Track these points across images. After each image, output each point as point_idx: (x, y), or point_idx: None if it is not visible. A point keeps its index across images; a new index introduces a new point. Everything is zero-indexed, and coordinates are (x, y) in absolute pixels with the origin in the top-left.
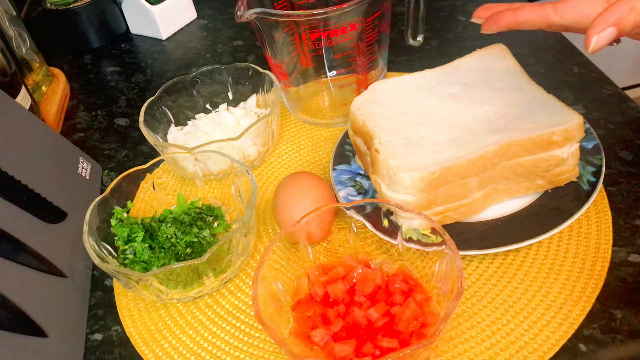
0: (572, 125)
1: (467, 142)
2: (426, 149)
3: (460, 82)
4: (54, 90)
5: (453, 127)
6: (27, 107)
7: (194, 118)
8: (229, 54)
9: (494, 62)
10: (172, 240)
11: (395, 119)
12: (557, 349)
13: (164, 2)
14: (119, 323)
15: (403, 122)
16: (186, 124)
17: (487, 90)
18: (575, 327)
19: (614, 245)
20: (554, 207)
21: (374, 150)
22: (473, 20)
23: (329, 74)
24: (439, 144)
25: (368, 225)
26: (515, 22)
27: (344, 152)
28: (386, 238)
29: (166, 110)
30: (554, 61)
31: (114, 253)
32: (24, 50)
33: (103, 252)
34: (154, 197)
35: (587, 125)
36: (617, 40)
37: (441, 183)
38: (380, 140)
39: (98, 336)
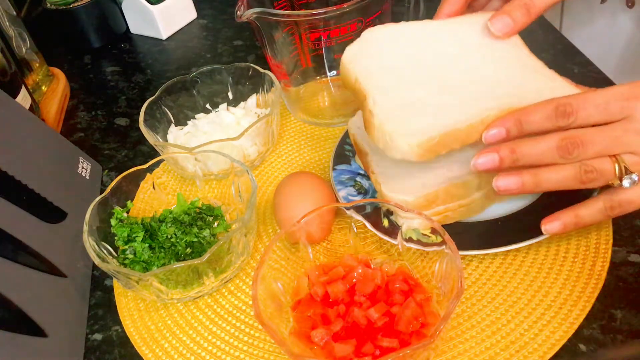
0: None
1: (468, 106)
2: (424, 112)
3: (463, 42)
4: (54, 90)
5: (453, 89)
6: (27, 107)
7: (194, 118)
8: (229, 54)
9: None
10: (172, 240)
11: (390, 76)
12: (557, 349)
13: (164, 2)
14: (119, 323)
15: (399, 81)
16: (186, 124)
17: (488, 57)
18: (575, 327)
19: (614, 245)
20: (554, 207)
21: (367, 112)
22: None
23: (329, 74)
24: (438, 107)
25: (368, 225)
26: None
27: (344, 152)
28: (386, 238)
29: (166, 110)
30: (554, 61)
31: (114, 253)
32: (24, 50)
33: (103, 252)
34: (154, 197)
35: None
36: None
37: (440, 149)
38: (374, 100)
39: (98, 336)
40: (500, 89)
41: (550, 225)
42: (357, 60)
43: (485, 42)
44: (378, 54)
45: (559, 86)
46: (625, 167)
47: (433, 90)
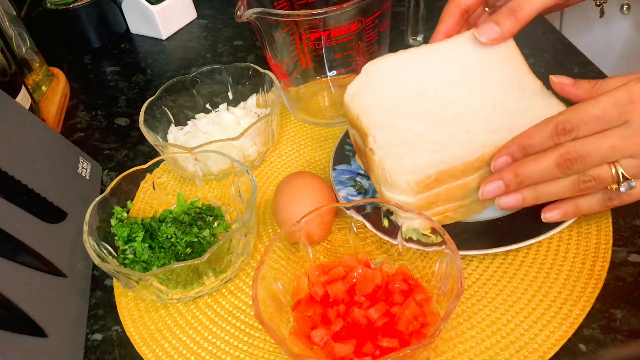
0: None
1: (464, 142)
2: (422, 148)
3: (460, 66)
4: (54, 90)
5: (450, 122)
6: (27, 107)
7: (194, 118)
8: (229, 54)
9: (496, 51)
10: (172, 240)
11: (390, 111)
12: (557, 349)
13: (164, 2)
14: (119, 323)
15: (399, 115)
16: (186, 124)
17: (486, 80)
18: (575, 327)
19: (614, 245)
20: None
21: (369, 150)
22: None
23: (329, 74)
24: (435, 143)
25: (368, 225)
26: None
27: (344, 152)
28: (386, 238)
29: (166, 110)
30: (554, 61)
31: (114, 253)
32: (24, 50)
33: (103, 252)
34: (154, 197)
35: None
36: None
37: (437, 185)
38: (374, 139)
39: (98, 336)
40: (497, 120)
41: (550, 214)
42: (358, 99)
43: (484, 60)
44: (378, 90)
45: (555, 111)
46: (622, 173)
47: (432, 124)
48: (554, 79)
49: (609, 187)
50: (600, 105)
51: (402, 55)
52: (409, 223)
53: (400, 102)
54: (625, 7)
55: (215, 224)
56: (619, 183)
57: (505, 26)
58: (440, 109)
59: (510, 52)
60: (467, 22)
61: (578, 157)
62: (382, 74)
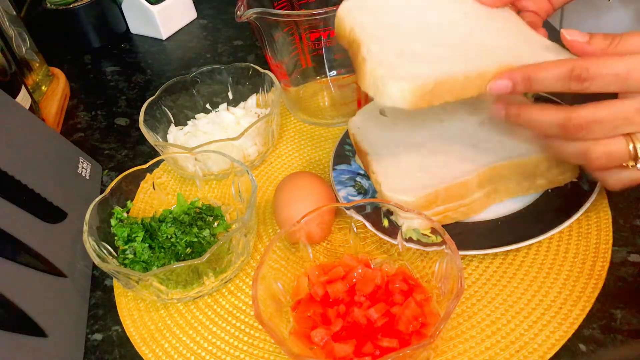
0: None
1: (467, 57)
2: (420, 60)
3: (462, 11)
4: (54, 90)
5: (451, 45)
6: (27, 107)
7: (194, 118)
8: (229, 54)
9: (499, 10)
10: (172, 240)
11: (388, 29)
12: (557, 349)
13: (164, 2)
14: (119, 323)
15: (397, 33)
16: (186, 124)
17: (489, 26)
18: (575, 327)
19: (614, 245)
20: (554, 207)
21: (360, 59)
22: None
23: (329, 74)
24: (435, 56)
25: (368, 225)
26: None
27: (344, 152)
28: (386, 238)
29: (166, 110)
30: None
31: (114, 253)
32: (24, 50)
33: (103, 252)
34: (154, 197)
35: None
36: None
37: (432, 99)
38: (368, 49)
39: (98, 336)
40: (501, 49)
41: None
42: (353, 14)
43: (487, 16)
44: (376, 10)
45: (562, 55)
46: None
47: (431, 44)
48: (567, 35)
49: (625, 165)
50: (625, 65)
51: None
52: (409, 223)
53: (399, 23)
54: None
55: (215, 224)
56: (636, 160)
57: None
58: (442, 34)
59: (517, 20)
60: None
61: (585, 125)
62: None
